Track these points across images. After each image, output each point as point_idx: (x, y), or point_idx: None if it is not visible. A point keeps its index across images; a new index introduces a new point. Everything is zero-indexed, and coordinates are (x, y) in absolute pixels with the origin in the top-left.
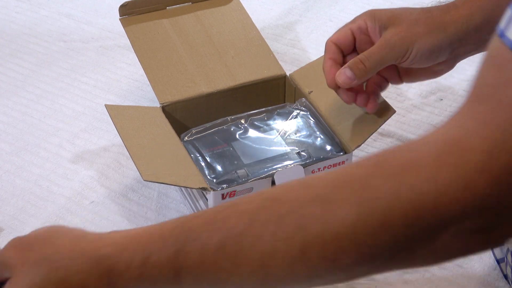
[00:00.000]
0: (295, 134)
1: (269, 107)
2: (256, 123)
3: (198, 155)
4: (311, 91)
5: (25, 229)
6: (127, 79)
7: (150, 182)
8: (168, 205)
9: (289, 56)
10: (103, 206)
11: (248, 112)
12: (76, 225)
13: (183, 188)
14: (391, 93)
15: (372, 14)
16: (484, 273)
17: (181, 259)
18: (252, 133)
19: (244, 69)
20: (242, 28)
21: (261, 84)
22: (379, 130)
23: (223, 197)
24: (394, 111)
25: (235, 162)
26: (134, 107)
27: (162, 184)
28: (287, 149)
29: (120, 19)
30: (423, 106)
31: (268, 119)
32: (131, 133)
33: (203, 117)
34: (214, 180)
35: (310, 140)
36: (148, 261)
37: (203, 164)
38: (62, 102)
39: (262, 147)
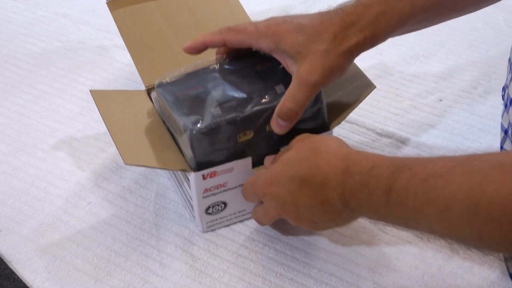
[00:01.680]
0: (271, 71)
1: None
2: (233, 61)
3: (172, 99)
4: None
5: (22, 231)
6: (125, 80)
7: (148, 183)
8: (166, 206)
9: None
10: (101, 207)
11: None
12: (73, 227)
13: (171, 172)
14: (389, 94)
15: (276, 43)
16: (485, 275)
17: (393, 179)
18: (228, 71)
19: None
20: (230, 11)
21: None
22: (378, 130)
23: (203, 177)
24: (374, 87)
25: (210, 103)
26: (119, 91)
27: (160, 185)
28: (263, 84)
29: (106, 3)
30: (422, 107)
31: (245, 59)
32: (115, 118)
33: None
34: (190, 125)
35: (286, 76)
36: (373, 171)
37: (177, 107)
38: (59, 103)
39: (236, 85)
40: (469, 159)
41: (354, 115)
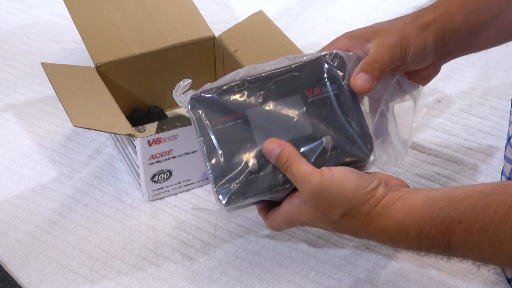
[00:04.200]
0: (322, 108)
1: (298, 58)
2: (277, 86)
3: (205, 132)
4: (237, 50)
5: (17, 233)
6: None
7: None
8: (162, 208)
9: None
10: (97, 209)
11: (273, 69)
12: (69, 229)
13: (113, 136)
14: None
15: (349, 35)
16: (484, 277)
17: (448, 237)
18: (274, 91)
19: (175, 32)
20: None
21: (191, 45)
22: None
23: (149, 143)
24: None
25: (248, 145)
26: (69, 66)
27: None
28: (309, 130)
29: None
30: (420, 108)
31: (293, 77)
32: (65, 87)
33: (135, 77)
34: (222, 201)
35: (337, 124)
36: (421, 234)
37: (209, 151)
38: (54, 104)
39: (280, 122)
40: None
41: None
